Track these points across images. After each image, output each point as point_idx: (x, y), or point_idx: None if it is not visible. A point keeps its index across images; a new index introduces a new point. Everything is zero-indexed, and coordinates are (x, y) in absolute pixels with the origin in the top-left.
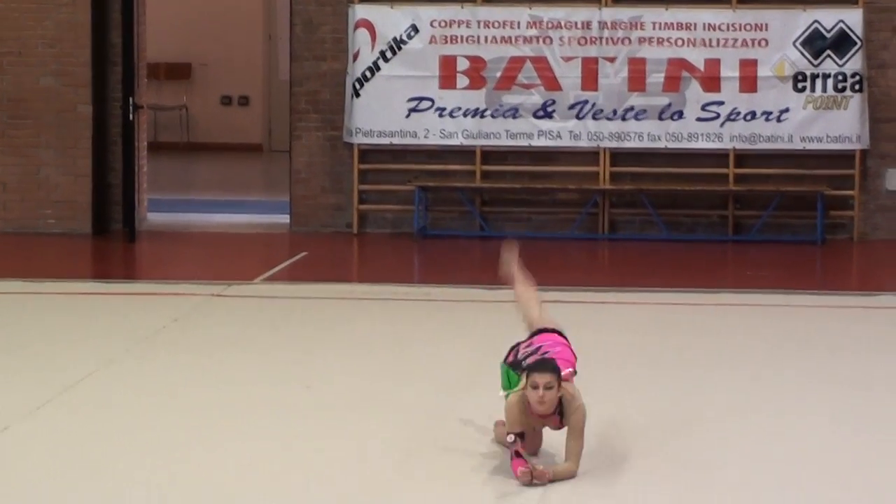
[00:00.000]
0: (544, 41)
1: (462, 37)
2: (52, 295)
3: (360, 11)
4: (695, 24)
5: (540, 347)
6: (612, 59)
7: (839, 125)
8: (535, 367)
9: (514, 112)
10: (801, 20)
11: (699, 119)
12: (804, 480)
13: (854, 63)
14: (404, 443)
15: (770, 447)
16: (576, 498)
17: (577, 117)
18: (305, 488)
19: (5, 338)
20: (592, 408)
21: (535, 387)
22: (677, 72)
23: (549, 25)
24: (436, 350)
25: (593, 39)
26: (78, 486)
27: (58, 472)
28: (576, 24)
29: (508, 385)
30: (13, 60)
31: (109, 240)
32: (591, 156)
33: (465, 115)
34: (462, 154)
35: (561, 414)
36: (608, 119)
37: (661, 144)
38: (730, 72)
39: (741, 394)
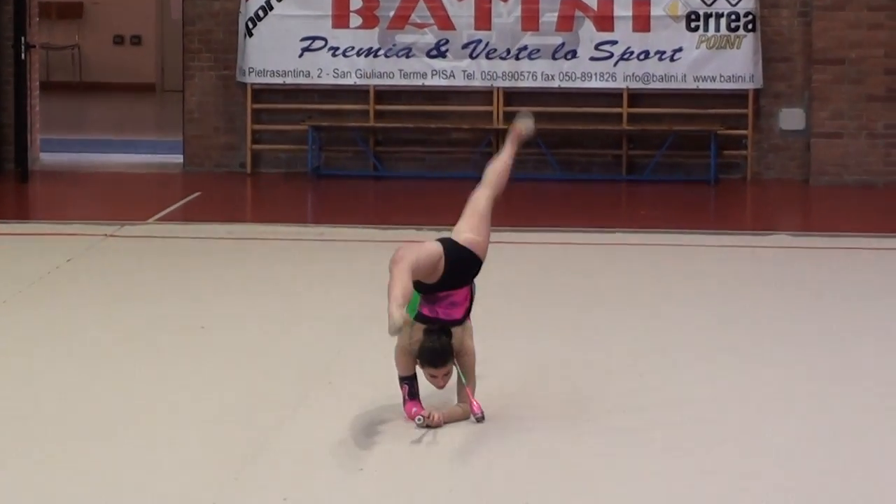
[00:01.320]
0: None
1: None
2: None
3: None
4: None
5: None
6: None
7: (732, 65)
8: (430, 361)
9: (408, 51)
10: None
11: (592, 58)
12: (712, 415)
13: (747, 2)
14: (297, 382)
15: (669, 386)
16: (476, 440)
17: (471, 57)
18: (195, 429)
19: None
20: (487, 349)
21: (434, 375)
22: (570, 11)
23: None
24: (329, 290)
25: None
26: None
27: None
28: None
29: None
30: None
31: (1, 180)
32: (484, 95)
33: (358, 54)
34: (356, 94)
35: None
36: (501, 58)
37: (555, 84)
38: (623, 11)
39: (639, 334)
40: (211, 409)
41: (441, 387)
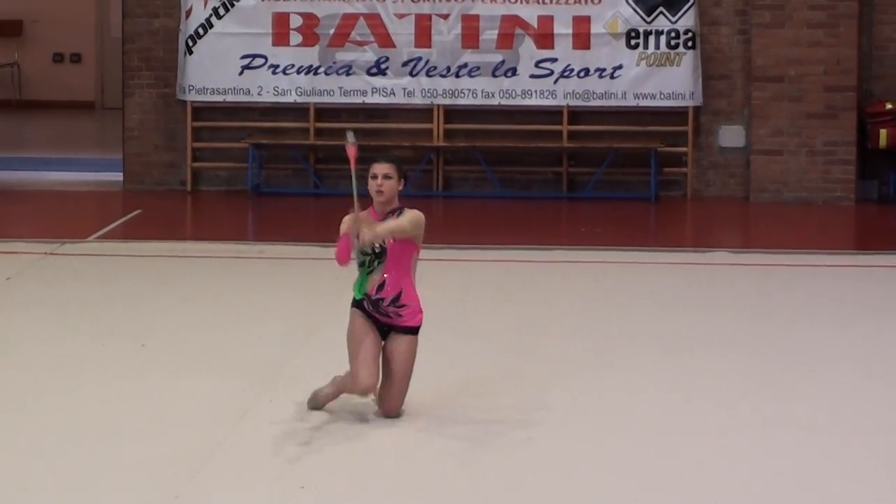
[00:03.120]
0: None
1: None
2: None
3: None
4: None
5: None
6: (445, 16)
7: (672, 82)
8: (374, 159)
9: (348, 69)
10: None
11: (533, 76)
12: (630, 431)
13: (686, 20)
14: (237, 397)
15: (589, 401)
16: (403, 442)
17: (411, 74)
18: (136, 446)
19: None
20: (427, 366)
21: (374, 177)
22: (511, 28)
23: None
24: (270, 307)
25: None
26: None
27: None
28: None
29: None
30: None
31: None
32: (424, 113)
33: (298, 72)
34: (296, 111)
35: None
36: (442, 76)
37: (495, 101)
38: (563, 28)
39: (569, 350)
40: (151, 426)
41: (380, 193)
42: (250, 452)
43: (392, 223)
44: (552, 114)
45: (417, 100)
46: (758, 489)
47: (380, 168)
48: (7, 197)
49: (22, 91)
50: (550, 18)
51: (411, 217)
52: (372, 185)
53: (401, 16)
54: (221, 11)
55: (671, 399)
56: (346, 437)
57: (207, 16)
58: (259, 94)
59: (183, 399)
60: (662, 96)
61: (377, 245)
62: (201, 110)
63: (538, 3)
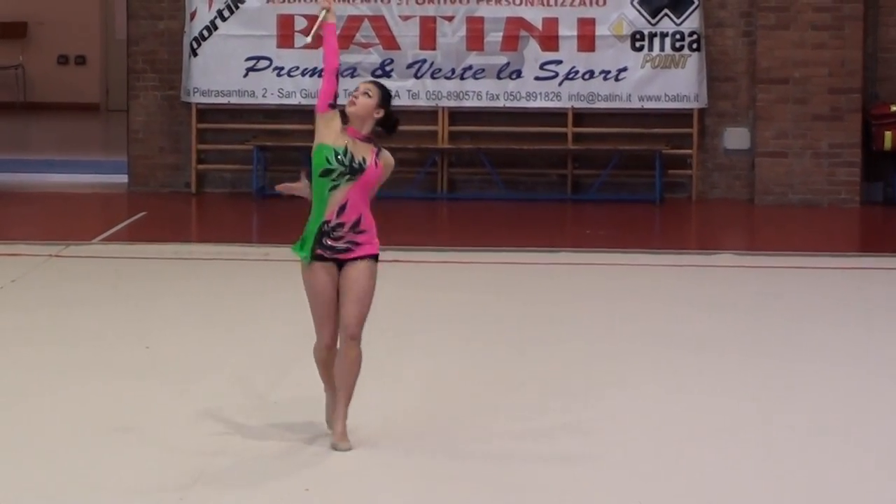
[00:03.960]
0: (382, 0)
1: None
2: None
3: None
4: None
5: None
6: (449, 18)
7: (677, 84)
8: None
9: (353, 71)
10: None
11: (537, 78)
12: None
13: (692, 22)
14: (242, 399)
15: (596, 406)
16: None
17: (416, 76)
18: (136, 446)
19: None
20: (428, 366)
21: (354, 93)
22: (515, 31)
23: None
24: (274, 310)
25: None
26: None
27: None
28: None
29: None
30: None
31: None
32: (429, 115)
33: (303, 74)
34: (301, 113)
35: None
36: (446, 78)
37: (500, 103)
38: (568, 31)
39: (573, 351)
40: (154, 428)
41: (353, 104)
42: (255, 454)
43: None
44: (557, 116)
45: (422, 102)
46: (758, 489)
47: (363, 85)
48: (12, 199)
49: (27, 93)
50: (555, 20)
51: (387, 160)
52: (349, 100)
53: (405, 18)
54: (226, 13)
55: (675, 398)
56: (352, 439)
57: (212, 18)
58: (264, 96)
59: (187, 401)
60: (667, 98)
61: (356, 162)
62: (206, 112)
63: (543, 5)
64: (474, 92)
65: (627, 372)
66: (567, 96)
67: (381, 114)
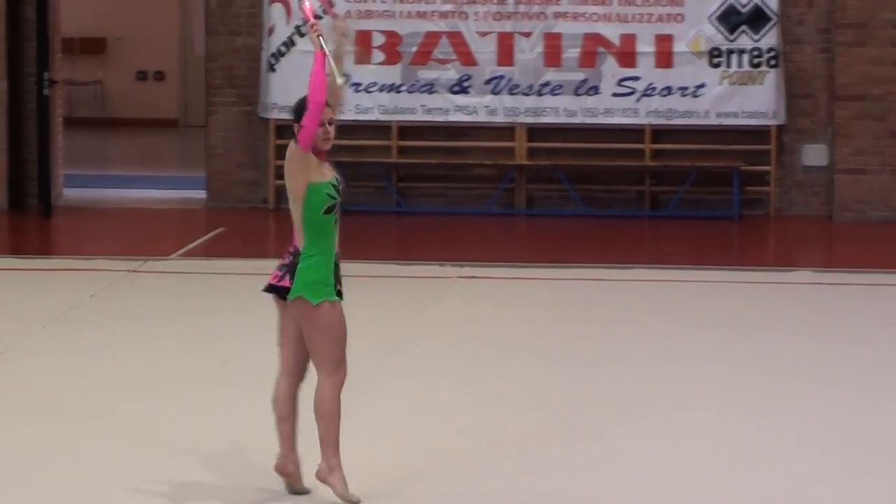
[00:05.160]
0: (460, 16)
1: (377, 11)
2: None
3: None
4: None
5: None
6: (527, 35)
7: (755, 101)
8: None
9: (430, 87)
10: None
11: (615, 94)
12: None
13: (769, 38)
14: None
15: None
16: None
17: (493, 92)
18: (213, 462)
19: None
20: (505, 384)
21: (322, 124)
22: (593, 47)
23: (464, 0)
24: (351, 326)
25: (508, 14)
26: None
27: None
28: None
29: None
30: None
31: (25, 215)
32: (507, 131)
33: (380, 90)
34: (378, 129)
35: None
36: (524, 94)
37: (578, 120)
38: (645, 47)
39: (650, 372)
40: (229, 443)
41: (326, 139)
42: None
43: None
44: (634, 132)
45: (500, 118)
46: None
47: (327, 114)
48: (91, 214)
49: (106, 109)
50: (633, 37)
51: None
52: (320, 133)
53: (483, 34)
54: (304, 29)
55: (752, 422)
56: (422, 452)
57: (290, 34)
58: (341, 112)
59: (264, 416)
60: (745, 115)
61: (336, 183)
62: (284, 128)
63: (621, 21)
64: (552, 108)
65: (700, 390)
66: (645, 113)
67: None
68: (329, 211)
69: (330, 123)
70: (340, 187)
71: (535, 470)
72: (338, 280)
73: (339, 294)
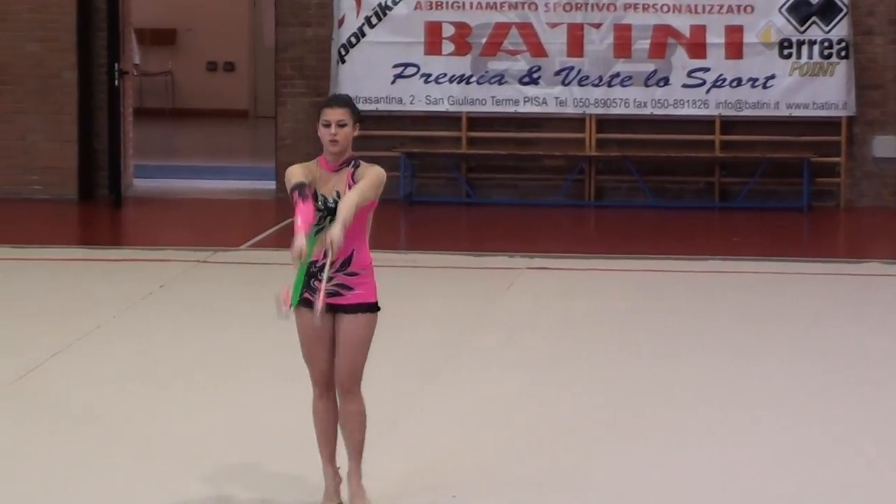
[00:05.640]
0: (530, 7)
1: (447, 3)
2: (40, 261)
3: None
4: None
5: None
6: (597, 26)
7: (825, 92)
8: (326, 104)
9: (500, 78)
10: None
11: (685, 85)
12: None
13: (840, 29)
14: (388, 406)
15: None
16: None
17: (563, 83)
18: (283, 458)
19: None
20: (570, 376)
21: (327, 124)
22: (663, 38)
23: None
24: (420, 316)
25: (579, 5)
26: (63, 447)
27: (45, 435)
28: None
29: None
30: None
31: (95, 206)
32: (577, 122)
33: (450, 81)
34: (448, 120)
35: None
36: (594, 85)
37: (647, 111)
38: (715, 38)
39: (720, 364)
40: (296, 434)
41: (332, 141)
42: (404, 459)
43: (352, 200)
44: (704, 123)
45: (570, 109)
46: None
47: (333, 114)
48: (160, 205)
49: (175, 99)
50: (703, 28)
51: (373, 179)
52: (324, 134)
53: (553, 25)
54: (374, 20)
55: (828, 417)
56: (492, 443)
57: (360, 25)
58: (411, 103)
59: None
60: (815, 106)
61: (331, 199)
62: None
63: (691, 12)
64: (622, 99)
65: (773, 384)
66: (714, 104)
67: (357, 130)
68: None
69: (341, 125)
70: (328, 201)
71: (607, 460)
72: (309, 287)
73: (304, 302)
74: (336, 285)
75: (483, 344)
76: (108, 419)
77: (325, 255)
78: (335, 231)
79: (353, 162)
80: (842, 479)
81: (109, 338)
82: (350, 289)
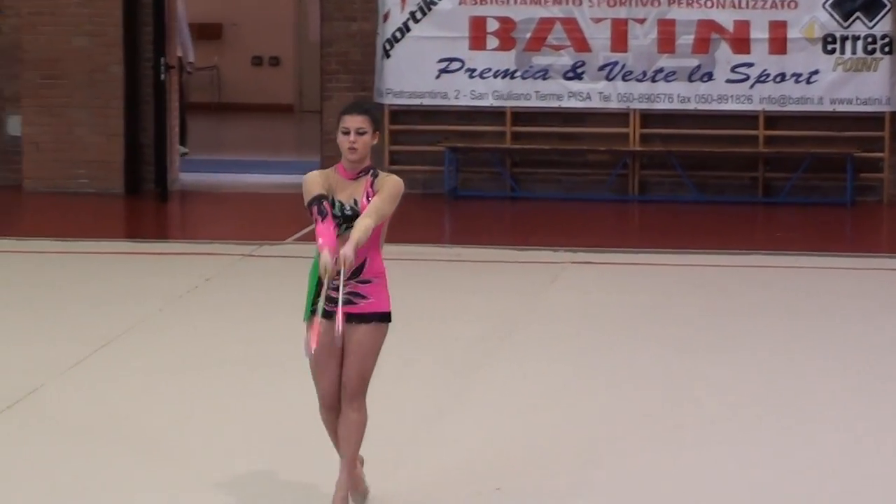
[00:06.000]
0: (574, 2)
1: None
2: (86, 255)
3: None
4: None
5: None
6: (641, 21)
7: (869, 87)
8: (346, 110)
9: (544, 73)
10: None
11: (729, 81)
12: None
13: (884, 25)
14: (430, 400)
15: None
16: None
17: (607, 78)
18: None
19: (39, 297)
20: (615, 370)
21: (346, 132)
22: (707, 33)
23: None
24: (464, 309)
25: (622, 1)
26: (110, 439)
27: (92, 427)
28: None
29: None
30: (46, 20)
31: (142, 199)
32: (621, 117)
33: (495, 76)
34: (492, 115)
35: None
36: (638, 80)
37: (691, 106)
38: (759, 33)
39: (758, 357)
40: None
41: (351, 149)
42: (448, 451)
43: (367, 224)
44: (748, 118)
45: (613, 104)
46: None
47: (352, 121)
48: (207, 199)
49: (221, 94)
50: (747, 23)
51: (391, 192)
52: (343, 141)
53: (597, 20)
54: (419, 15)
55: (868, 416)
56: (536, 436)
57: (405, 20)
58: (456, 97)
59: (373, 401)
60: (859, 101)
61: (348, 207)
62: (398, 114)
63: (734, 7)
64: (665, 94)
65: (811, 378)
66: (758, 99)
67: (377, 138)
68: None
69: (360, 133)
70: (346, 208)
71: (652, 455)
72: (329, 299)
73: (322, 313)
74: (348, 293)
75: (527, 338)
76: (156, 409)
77: (337, 274)
78: (347, 251)
79: (371, 171)
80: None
81: (154, 330)
82: (363, 297)
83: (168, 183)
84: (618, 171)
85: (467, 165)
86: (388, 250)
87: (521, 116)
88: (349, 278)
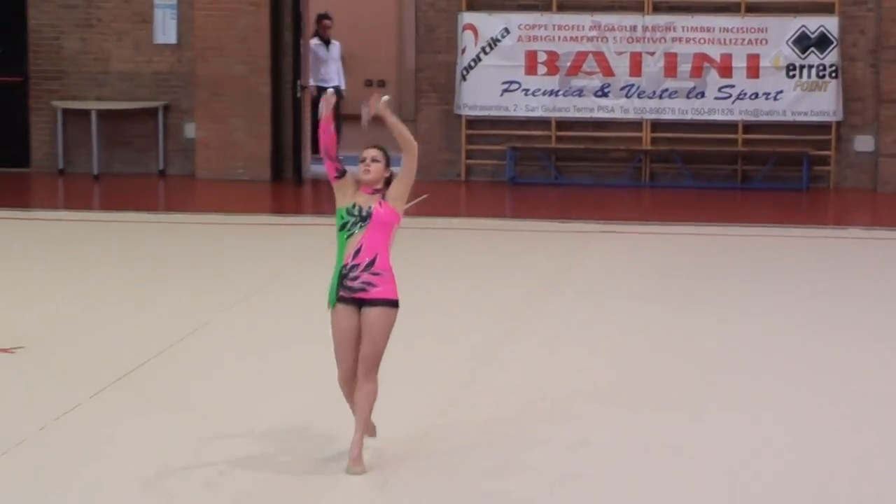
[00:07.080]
0: (602, 40)
1: (541, 36)
2: (240, 226)
3: (466, 17)
4: (713, 28)
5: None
6: (652, 53)
7: (820, 103)
8: (367, 147)
9: (580, 92)
10: (792, 25)
11: (716, 98)
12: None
13: (831, 57)
14: (466, 362)
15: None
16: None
17: (626, 96)
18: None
19: (208, 255)
20: (612, 317)
21: (363, 160)
22: (700, 63)
23: (606, 28)
24: (517, 268)
25: (638, 39)
26: (234, 389)
27: (245, 370)
28: (625, 27)
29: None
30: (214, 53)
31: (283, 185)
32: (636, 125)
33: (543, 94)
34: (541, 123)
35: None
36: (649, 98)
37: (689, 117)
38: (739, 63)
39: (734, 303)
40: (419, 391)
41: (365, 171)
42: (491, 403)
43: (401, 128)
44: (731, 126)
45: (631, 115)
46: None
47: (369, 153)
48: (329, 184)
49: (343, 107)
50: (730, 55)
51: (406, 171)
52: (360, 167)
53: (619, 53)
54: (487, 49)
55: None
56: (566, 395)
57: (477, 52)
58: (514, 110)
59: (418, 362)
60: (813, 114)
61: (364, 210)
62: (472, 122)
63: (721, 43)
64: (669, 108)
65: (778, 325)
66: (738, 112)
67: (389, 173)
68: (341, 228)
69: (374, 160)
70: (363, 211)
71: (677, 418)
72: (343, 287)
73: (342, 300)
74: (363, 282)
75: (566, 288)
76: (293, 345)
77: (354, 256)
78: (382, 100)
79: (382, 194)
80: None
81: (290, 282)
82: (374, 286)
83: (302, 172)
84: (634, 164)
85: (523, 160)
86: (464, 222)
87: (563, 124)
88: (364, 269)
